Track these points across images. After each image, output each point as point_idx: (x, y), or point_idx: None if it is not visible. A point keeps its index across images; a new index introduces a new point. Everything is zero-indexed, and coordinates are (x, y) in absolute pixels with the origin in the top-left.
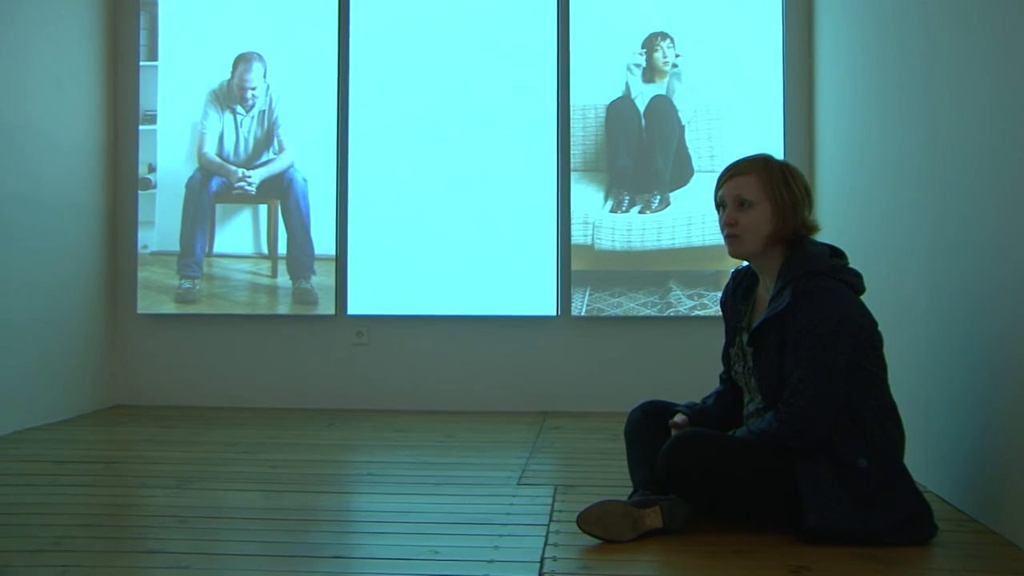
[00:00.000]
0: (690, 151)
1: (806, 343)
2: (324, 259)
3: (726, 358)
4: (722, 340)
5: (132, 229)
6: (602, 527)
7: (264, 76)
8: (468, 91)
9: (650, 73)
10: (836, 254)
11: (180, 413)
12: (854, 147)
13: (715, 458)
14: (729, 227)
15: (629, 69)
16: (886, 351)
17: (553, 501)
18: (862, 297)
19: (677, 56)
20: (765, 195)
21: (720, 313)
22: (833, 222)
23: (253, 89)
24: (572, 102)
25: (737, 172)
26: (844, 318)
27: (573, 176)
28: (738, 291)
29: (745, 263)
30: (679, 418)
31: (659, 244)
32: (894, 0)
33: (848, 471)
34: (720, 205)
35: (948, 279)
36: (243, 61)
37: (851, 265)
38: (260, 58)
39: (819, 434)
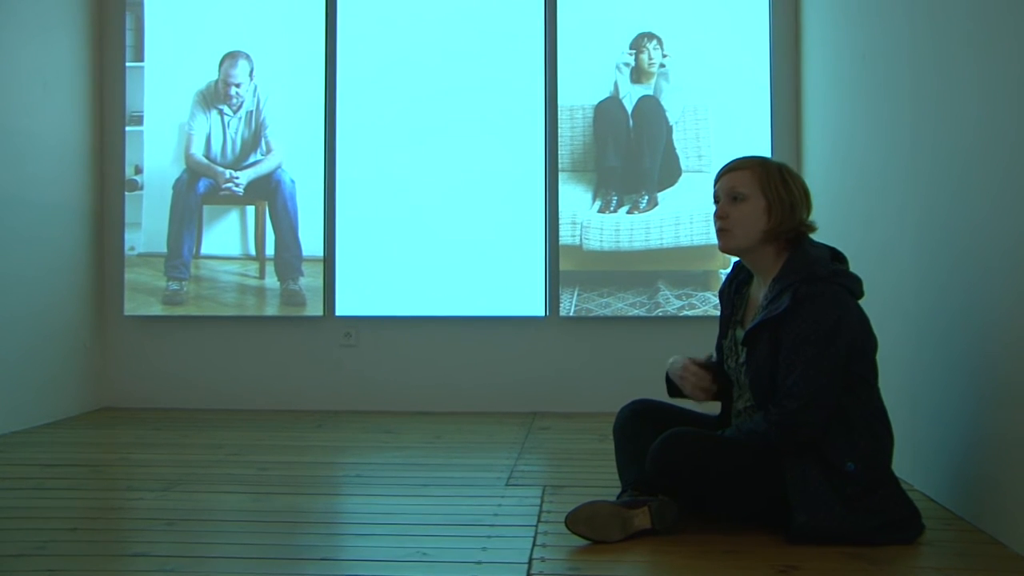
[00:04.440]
0: (678, 151)
1: (803, 348)
2: (312, 260)
3: (719, 350)
4: (712, 337)
5: (119, 230)
6: (590, 528)
7: (250, 74)
8: (456, 92)
9: (637, 74)
10: (837, 257)
11: (167, 415)
12: (841, 146)
13: (704, 457)
14: (720, 220)
15: (618, 68)
16: None
17: (542, 502)
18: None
19: (664, 56)
20: (759, 190)
21: (710, 311)
22: (820, 221)
23: (238, 85)
24: (560, 102)
25: (733, 168)
26: (842, 324)
27: (561, 176)
28: (734, 283)
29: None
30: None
31: (647, 244)
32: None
33: (836, 473)
34: (715, 201)
35: (935, 278)
36: (229, 58)
37: (849, 268)
38: (246, 56)
39: (809, 437)
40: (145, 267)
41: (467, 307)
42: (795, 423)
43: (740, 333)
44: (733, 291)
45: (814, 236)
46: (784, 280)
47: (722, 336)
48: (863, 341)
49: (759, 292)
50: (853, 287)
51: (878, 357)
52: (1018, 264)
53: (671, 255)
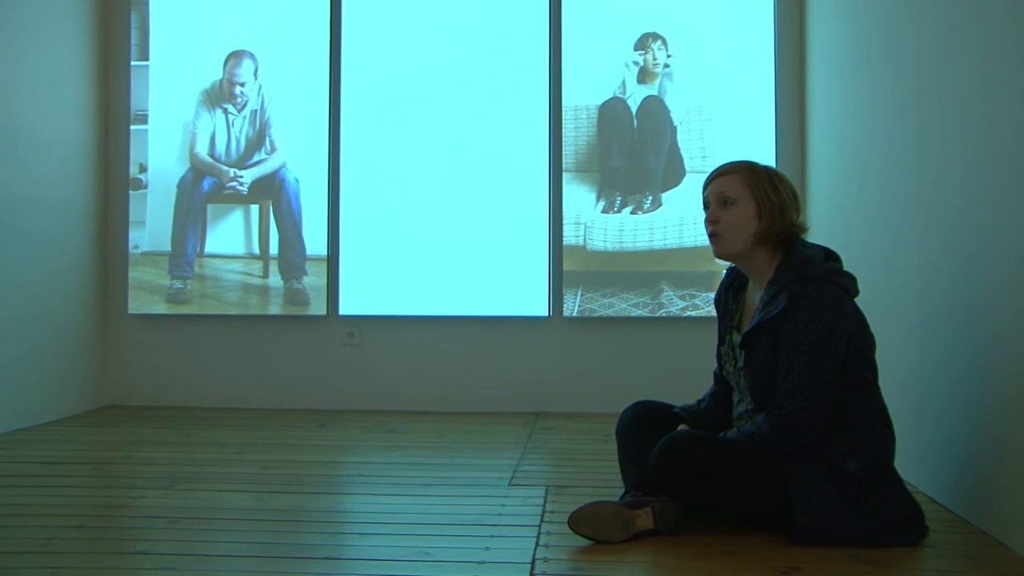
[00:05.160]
0: (682, 152)
1: (800, 348)
2: (316, 259)
3: (718, 356)
4: (715, 339)
5: (123, 229)
6: (593, 528)
7: (255, 73)
8: (460, 91)
9: (642, 74)
10: (830, 256)
11: (171, 413)
12: (846, 148)
13: (706, 459)
14: (712, 225)
15: (627, 66)
16: (877, 354)
17: (544, 502)
18: (856, 299)
19: (669, 56)
20: (749, 193)
21: (714, 312)
22: (824, 223)
23: (242, 84)
24: (564, 102)
25: (721, 173)
26: (839, 323)
27: (565, 176)
28: (730, 289)
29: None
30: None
31: (651, 245)
32: (886, 1)
33: (838, 474)
34: (705, 207)
35: (939, 281)
36: (234, 57)
37: (842, 267)
38: (251, 55)
39: (810, 438)
40: (149, 266)
41: (470, 307)
42: (796, 424)
43: (737, 338)
44: (729, 298)
45: (808, 237)
46: (779, 282)
47: (721, 343)
48: (860, 339)
49: (755, 296)
50: (848, 285)
51: (881, 358)
52: (1023, 267)
53: (675, 256)
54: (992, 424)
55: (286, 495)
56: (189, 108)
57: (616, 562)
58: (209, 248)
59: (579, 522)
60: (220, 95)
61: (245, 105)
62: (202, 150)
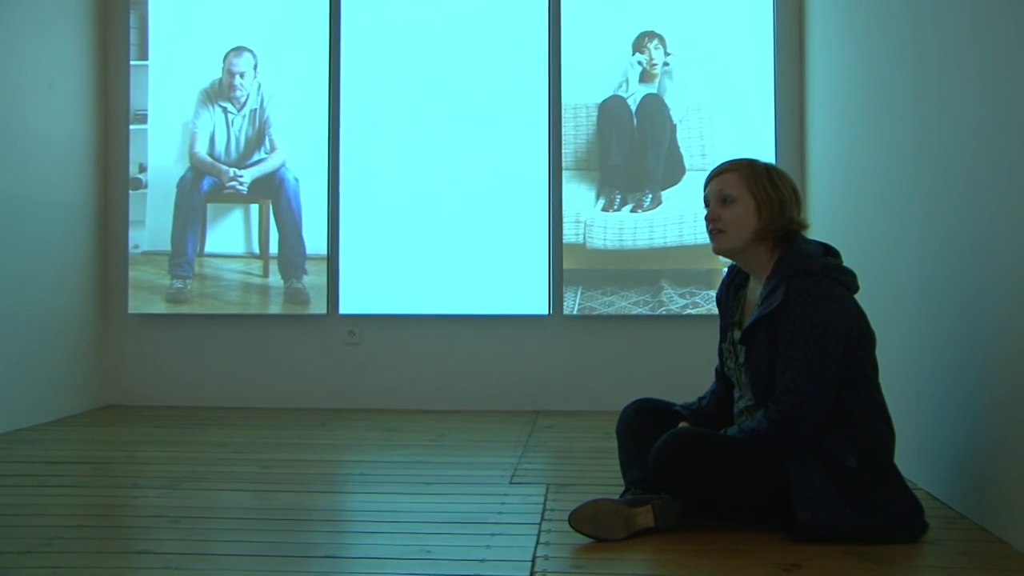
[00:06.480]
0: (681, 150)
1: (798, 343)
2: (316, 258)
3: (720, 353)
4: (715, 336)
5: (123, 229)
6: (594, 526)
7: (254, 68)
8: (460, 90)
9: (642, 73)
10: (830, 252)
11: (171, 413)
12: (845, 145)
13: (706, 457)
14: (712, 222)
15: (631, 65)
16: (878, 350)
17: (545, 500)
18: (856, 295)
19: (668, 55)
20: (748, 190)
21: (714, 309)
22: (824, 220)
23: (241, 75)
24: (564, 101)
25: (721, 171)
26: (836, 319)
27: (565, 175)
28: (731, 287)
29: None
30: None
31: (651, 243)
32: None
33: (838, 470)
34: (706, 204)
35: (939, 278)
36: (233, 51)
37: (842, 264)
38: (250, 51)
39: (809, 433)
40: (149, 265)
41: (471, 305)
42: (795, 419)
43: (738, 334)
44: (731, 295)
45: (807, 234)
46: (777, 277)
47: (722, 340)
48: (860, 334)
49: (755, 292)
50: (847, 280)
51: (881, 355)
52: (1023, 264)
53: (674, 253)
54: (992, 420)
55: (287, 494)
56: (188, 108)
57: (617, 560)
58: (209, 247)
59: (580, 520)
60: (219, 93)
61: (245, 103)
62: (202, 149)
